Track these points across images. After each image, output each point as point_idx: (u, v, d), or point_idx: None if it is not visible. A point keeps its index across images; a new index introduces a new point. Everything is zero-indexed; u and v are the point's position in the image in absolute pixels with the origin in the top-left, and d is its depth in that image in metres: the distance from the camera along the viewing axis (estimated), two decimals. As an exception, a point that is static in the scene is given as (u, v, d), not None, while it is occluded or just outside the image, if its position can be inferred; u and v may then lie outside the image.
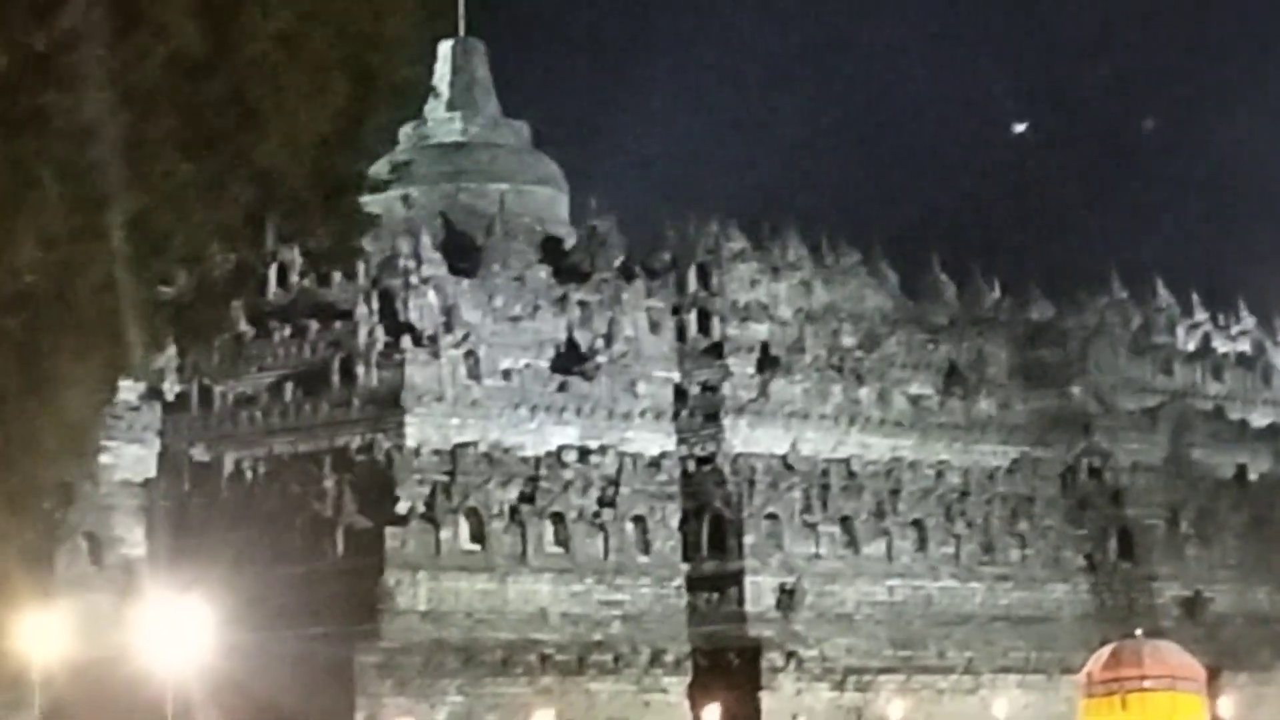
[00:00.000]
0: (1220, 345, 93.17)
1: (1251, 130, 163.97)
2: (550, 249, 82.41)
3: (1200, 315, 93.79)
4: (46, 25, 27.64)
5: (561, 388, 73.46)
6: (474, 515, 64.74)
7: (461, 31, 76.17)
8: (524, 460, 67.54)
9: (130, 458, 68.65)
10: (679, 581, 67.74)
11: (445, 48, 75.52)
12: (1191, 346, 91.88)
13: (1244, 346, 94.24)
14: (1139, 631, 41.32)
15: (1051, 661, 65.03)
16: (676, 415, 75.24)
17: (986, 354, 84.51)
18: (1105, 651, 36.59)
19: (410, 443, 67.31)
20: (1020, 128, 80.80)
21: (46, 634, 41.93)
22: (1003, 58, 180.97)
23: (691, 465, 71.40)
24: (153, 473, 70.13)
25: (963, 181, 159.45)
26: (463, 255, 78.57)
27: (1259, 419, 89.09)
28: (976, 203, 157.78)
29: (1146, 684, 34.34)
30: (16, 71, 28.11)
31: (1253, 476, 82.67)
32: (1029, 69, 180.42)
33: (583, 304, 77.41)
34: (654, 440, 72.97)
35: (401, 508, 63.75)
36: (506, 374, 72.41)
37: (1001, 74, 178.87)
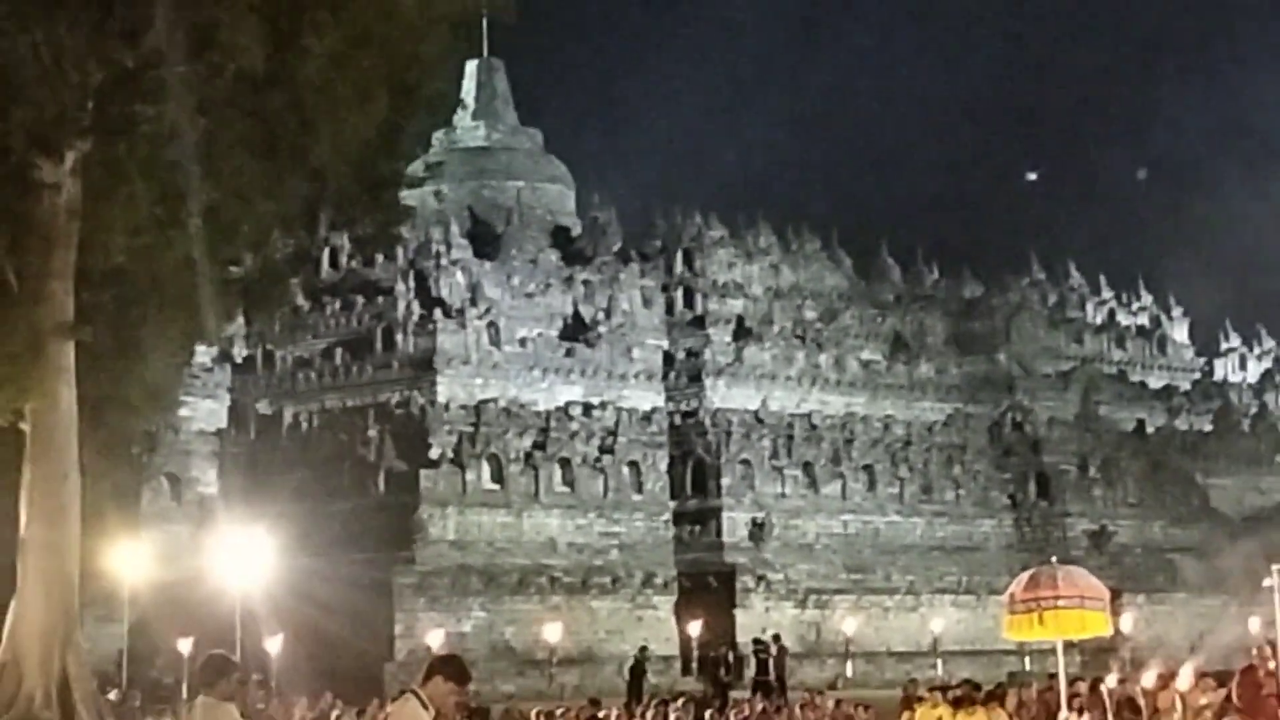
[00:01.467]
0: (1123, 319, 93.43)
1: (1159, 136, 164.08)
2: (559, 237, 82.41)
3: (1106, 294, 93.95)
4: (134, 46, 27.63)
5: (568, 353, 73.51)
6: (494, 460, 64.79)
7: (484, 53, 75.96)
8: (536, 414, 67.57)
9: (205, 411, 68.65)
10: (667, 516, 67.79)
11: (471, 67, 75.52)
12: (1099, 320, 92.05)
13: (1143, 320, 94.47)
14: (1054, 559, 40.93)
15: (980, 584, 65.15)
16: (665, 376, 75.30)
17: (926, 326, 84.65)
18: (1025, 576, 36.24)
19: (441, 399, 67.31)
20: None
21: (134, 559, 41.94)
22: (947, 70, 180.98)
23: (678, 419, 71.45)
24: (224, 423, 70.17)
25: (907, 178, 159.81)
26: (485, 242, 78.58)
27: (1155, 381, 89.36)
28: (919, 196, 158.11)
29: (1060, 603, 34.06)
30: (110, 85, 28.12)
31: (1150, 430, 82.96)
32: (969, 80, 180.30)
33: (586, 283, 77.41)
34: (646, 397, 72.99)
35: (433, 454, 63.78)
36: (522, 341, 72.43)
37: (945, 84, 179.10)
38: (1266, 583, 29.52)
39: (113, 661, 44.57)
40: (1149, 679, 39.16)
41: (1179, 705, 36.51)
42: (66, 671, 29.23)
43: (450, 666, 14.00)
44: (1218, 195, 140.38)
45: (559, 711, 33.94)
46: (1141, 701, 36.87)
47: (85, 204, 28.59)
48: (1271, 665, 29.98)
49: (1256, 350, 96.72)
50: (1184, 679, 39.03)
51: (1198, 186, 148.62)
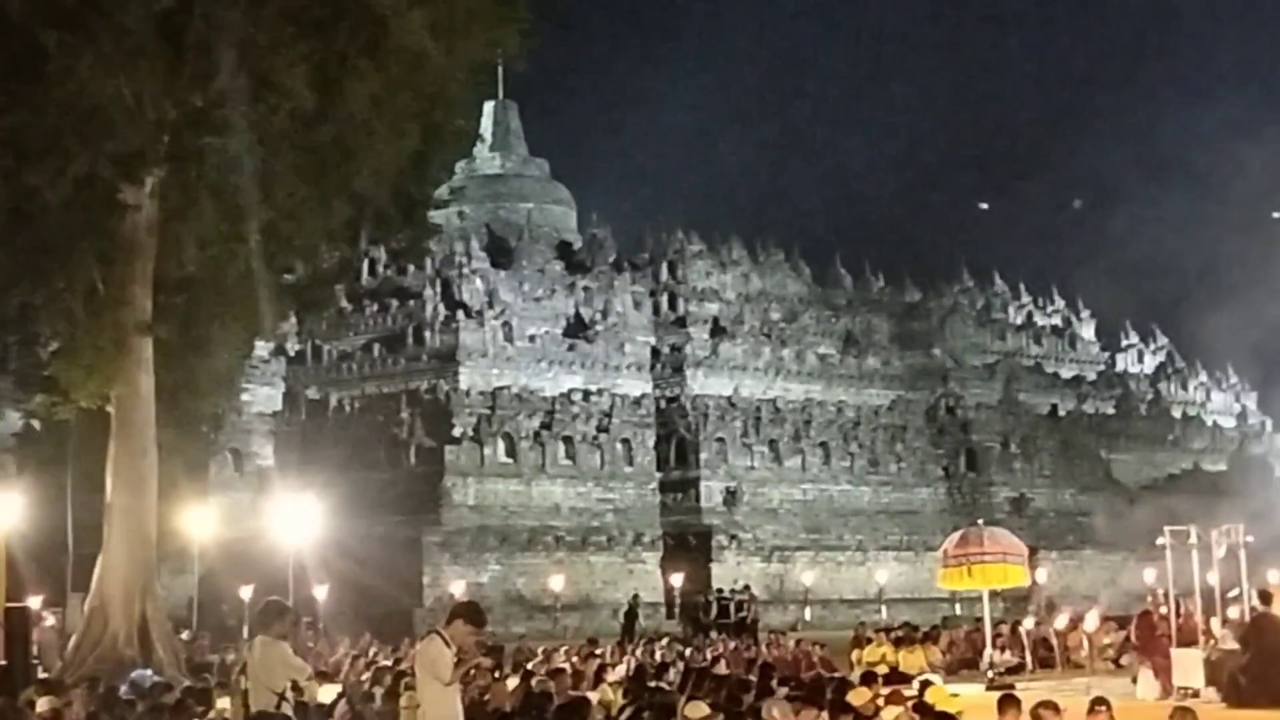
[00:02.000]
0: (1039, 320, 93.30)
1: (1074, 167, 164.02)
2: (562, 250, 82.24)
3: (1025, 298, 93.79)
4: (204, 89, 27.63)
5: (570, 348, 73.38)
6: (507, 438, 64.72)
7: (500, 95, 75.75)
8: (543, 399, 67.52)
9: (263, 396, 68.57)
10: (653, 485, 67.74)
11: (488, 107, 75.27)
12: (1019, 321, 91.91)
13: (1056, 321, 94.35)
14: (980, 522, 41.03)
15: (918, 543, 65.10)
16: (652, 368, 75.19)
17: (873, 325, 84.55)
18: (956, 535, 36.33)
19: (462, 386, 67.21)
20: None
21: (202, 521, 41.92)
22: (894, 109, 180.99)
23: (663, 403, 71.37)
24: (279, 406, 70.10)
25: (858, 199, 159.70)
26: (500, 254, 78.44)
27: (1066, 372, 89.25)
28: (868, 215, 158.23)
29: (985, 558, 34.11)
30: (183, 122, 28.12)
31: (1061, 413, 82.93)
32: (913, 117, 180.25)
33: (586, 289, 77.30)
34: (636, 385, 72.91)
35: (456, 432, 63.69)
36: (531, 338, 72.32)
37: (892, 120, 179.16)
38: (1159, 541, 29.49)
39: (185, 607, 44.53)
40: (1061, 622, 39.21)
41: (1086, 644, 36.58)
42: (146, 615, 29.27)
43: (469, 611, 14.07)
44: (1120, 213, 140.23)
45: (562, 650, 34.02)
46: (1054, 641, 36.99)
47: (162, 222, 28.64)
48: (1163, 611, 30.10)
49: (1152, 346, 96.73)
50: (1090, 622, 39.06)
51: (1103, 206, 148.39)
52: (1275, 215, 78.11)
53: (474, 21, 29.29)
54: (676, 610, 60.41)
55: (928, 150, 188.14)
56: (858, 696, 16.98)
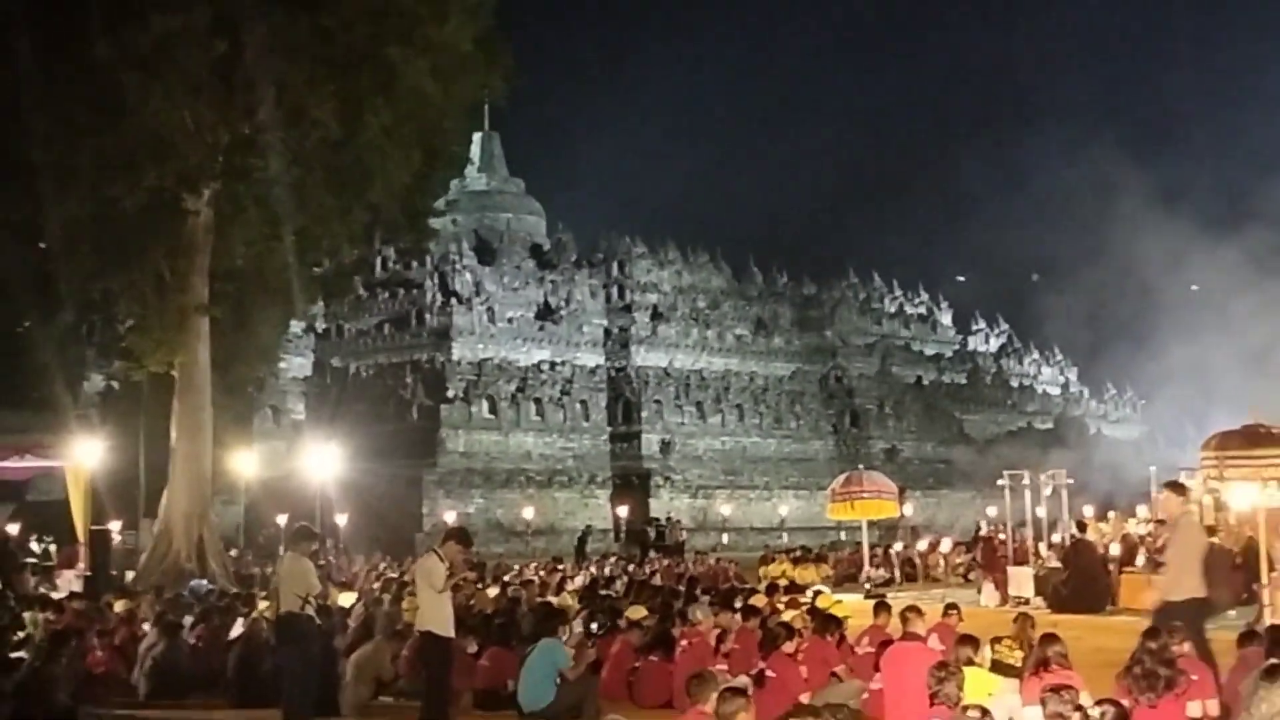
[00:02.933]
0: (908, 309, 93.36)
1: (947, 184, 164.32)
2: (534, 251, 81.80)
3: (898, 292, 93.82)
4: (250, 118, 27.45)
5: (540, 328, 73.09)
6: (490, 399, 64.49)
7: (486, 127, 75.39)
8: (519, 368, 67.25)
9: (296, 364, 68.14)
10: (605, 437, 67.63)
11: (477, 137, 74.80)
12: (892, 310, 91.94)
13: (921, 310, 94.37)
14: (860, 467, 41.21)
15: (812, 483, 65.09)
16: (604, 344, 74.99)
17: (778, 312, 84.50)
18: (842, 477, 36.44)
19: (454, 358, 66.90)
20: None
21: (247, 462, 41.67)
22: (801, 134, 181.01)
23: (612, 373, 71.17)
24: (309, 373, 69.66)
25: (767, 212, 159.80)
26: (485, 254, 78.03)
27: (928, 350, 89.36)
28: (774, 223, 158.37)
29: (864, 495, 34.24)
30: (233, 145, 27.91)
31: (925, 383, 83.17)
32: (816, 141, 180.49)
33: (553, 282, 77.01)
34: (591, 358, 72.71)
35: (449, 394, 63.40)
36: (509, 320, 72.05)
37: (798, 145, 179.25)
38: (1000, 483, 29.67)
39: (233, 530, 44.28)
40: (922, 546, 39.52)
41: (942, 563, 36.93)
42: (202, 537, 29.20)
43: (459, 534, 14.05)
44: (973, 222, 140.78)
45: (532, 566, 34.05)
46: (917, 560, 37.29)
47: (216, 225, 28.50)
48: (1002, 537, 30.34)
49: (996, 330, 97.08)
50: (945, 546, 39.35)
51: (960, 216, 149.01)
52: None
53: (466, 69, 29.26)
54: (622, 535, 60.47)
55: (825, 171, 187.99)
56: (763, 602, 17.04)
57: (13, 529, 45.98)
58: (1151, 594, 13.76)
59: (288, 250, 29.08)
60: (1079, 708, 7.74)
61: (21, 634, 16.99)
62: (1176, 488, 14.84)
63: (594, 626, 15.84)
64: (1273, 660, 10.73)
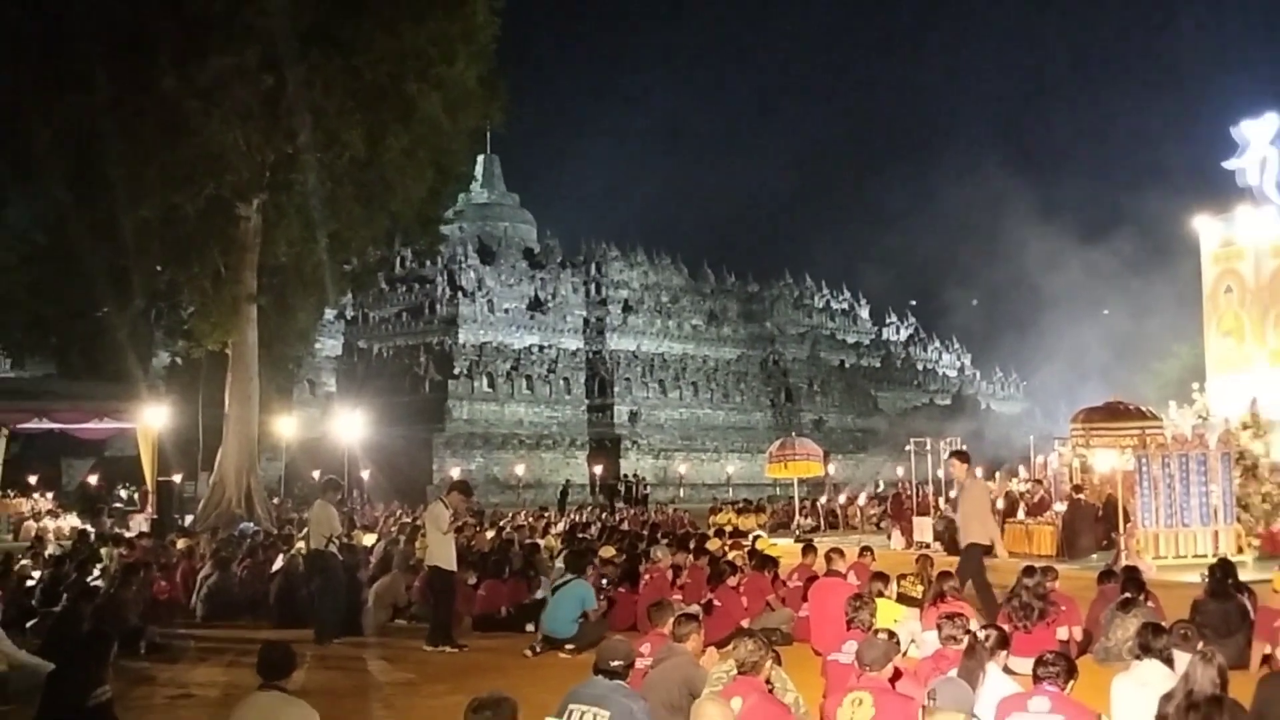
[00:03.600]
0: (834, 305, 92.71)
1: (863, 190, 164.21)
2: (527, 254, 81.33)
3: (826, 291, 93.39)
4: (292, 140, 27.26)
5: (531, 317, 72.77)
6: (489, 375, 64.34)
7: (488, 150, 75.27)
8: (513, 351, 67.10)
9: (329, 345, 67.80)
10: (583, 408, 67.54)
11: (480, 158, 74.23)
12: (820, 305, 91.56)
13: (844, 306, 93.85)
14: (793, 434, 41.28)
15: (753, 447, 65.06)
16: (584, 331, 74.78)
17: (727, 306, 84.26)
18: (778, 443, 36.46)
19: (460, 341, 66.63)
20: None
21: (287, 426, 41.55)
22: (745, 154, 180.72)
23: (590, 355, 71.03)
24: (339, 352, 69.37)
25: (718, 220, 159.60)
26: (486, 255, 77.61)
27: (850, 339, 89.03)
28: (724, 231, 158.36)
29: (796, 457, 34.24)
30: (278, 163, 27.75)
31: (847, 366, 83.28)
32: (758, 157, 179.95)
33: (542, 280, 76.64)
34: (573, 343, 72.52)
35: (455, 372, 63.20)
36: (505, 310, 71.73)
37: (743, 162, 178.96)
38: (907, 448, 29.78)
39: (275, 482, 44.12)
40: (843, 499, 39.63)
41: (859, 514, 37.03)
42: (250, 487, 29.08)
43: (462, 486, 14.06)
44: (889, 233, 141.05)
45: (522, 513, 34.03)
46: (839, 511, 37.40)
47: (263, 228, 28.36)
48: (908, 493, 30.44)
49: (906, 323, 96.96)
50: (862, 499, 39.44)
51: (877, 228, 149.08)
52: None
53: (471, 102, 29.18)
54: (597, 489, 60.47)
55: (767, 189, 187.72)
56: (712, 544, 17.08)
57: (93, 479, 46.06)
58: (976, 540, 13.95)
59: (322, 250, 28.98)
60: (968, 632, 7.79)
61: (99, 566, 16.93)
62: (961, 456, 15.11)
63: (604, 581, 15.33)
64: (1126, 595, 10.85)
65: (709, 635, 8.17)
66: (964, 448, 18.51)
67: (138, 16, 25.41)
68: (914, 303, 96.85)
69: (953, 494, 22.88)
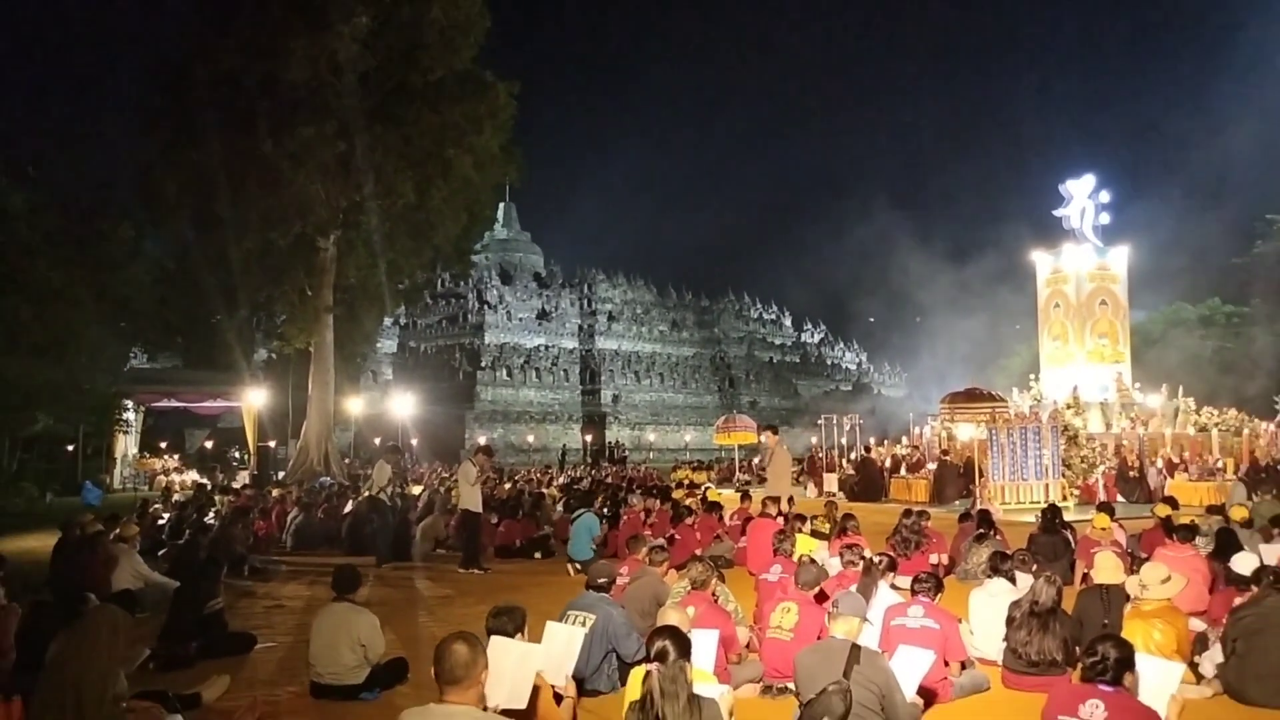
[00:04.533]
0: (766, 316, 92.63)
1: (799, 224, 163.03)
2: (536, 277, 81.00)
3: (760, 306, 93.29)
4: (359, 190, 27.04)
5: (539, 324, 72.70)
6: (507, 368, 64.25)
7: (507, 199, 75.22)
8: (525, 349, 66.98)
9: (387, 345, 67.43)
10: (578, 393, 67.37)
11: (501, 205, 74.17)
12: (756, 316, 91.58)
13: (772, 316, 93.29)
14: (735, 413, 41.32)
15: (705, 422, 64.93)
16: (579, 335, 74.73)
17: (687, 318, 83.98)
18: (722, 419, 36.53)
19: (486, 343, 66.52)
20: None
21: (355, 406, 41.29)
22: (707, 190, 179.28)
23: (584, 353, 70.95)
24: (395, 350, 69.05)
25: (681, 249, 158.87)
26: (505, 279, 77.34)
27: (778, 341, 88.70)
28: (683, 259, 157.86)
29: (737, 429, 34.30)
30: (349, 208, 27.50)
31: (775, 362, 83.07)
32: (718, 193, 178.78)
33: (547, 296, 76.39)
34: (571, 343, 72.39)
35: (483, 365, 63.14)
36: (520, 319, 71.62)
37: (704, 196, 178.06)
38: (819, 422, 29.85)
39: (347, 447, 43.87)
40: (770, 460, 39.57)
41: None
42: (327, 450, 28.91)
43: (486, 450, 13.96)
44: (808, 259, 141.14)
45: (532, 470, 33.93)
46: (768, 469, 37.42)
47: (337, 257, 28.17)
48: (820, 455, 30.52)
49: (819, 328, 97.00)
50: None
51: (800, 256, 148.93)
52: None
53: (495, 163, 29.06)
54: (588, 453, 60.41)
55: (716, 226, 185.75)
56: (676, 494, 17.08)
57: (209, 444, 45.69)
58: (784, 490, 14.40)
59: (382, 273, 28.84)
60: (864, 558, 7.83)
61: (213, 510, 16.85)
62: (772, 429, 15.85)
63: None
64: (980, 530, 10.92)
65: (671, 561, 8.18)
66: (775, 424, 19.13)
67: (244, 96, 25.38)
68: (823, 322, 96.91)
69: (756, 460, 22.96)
